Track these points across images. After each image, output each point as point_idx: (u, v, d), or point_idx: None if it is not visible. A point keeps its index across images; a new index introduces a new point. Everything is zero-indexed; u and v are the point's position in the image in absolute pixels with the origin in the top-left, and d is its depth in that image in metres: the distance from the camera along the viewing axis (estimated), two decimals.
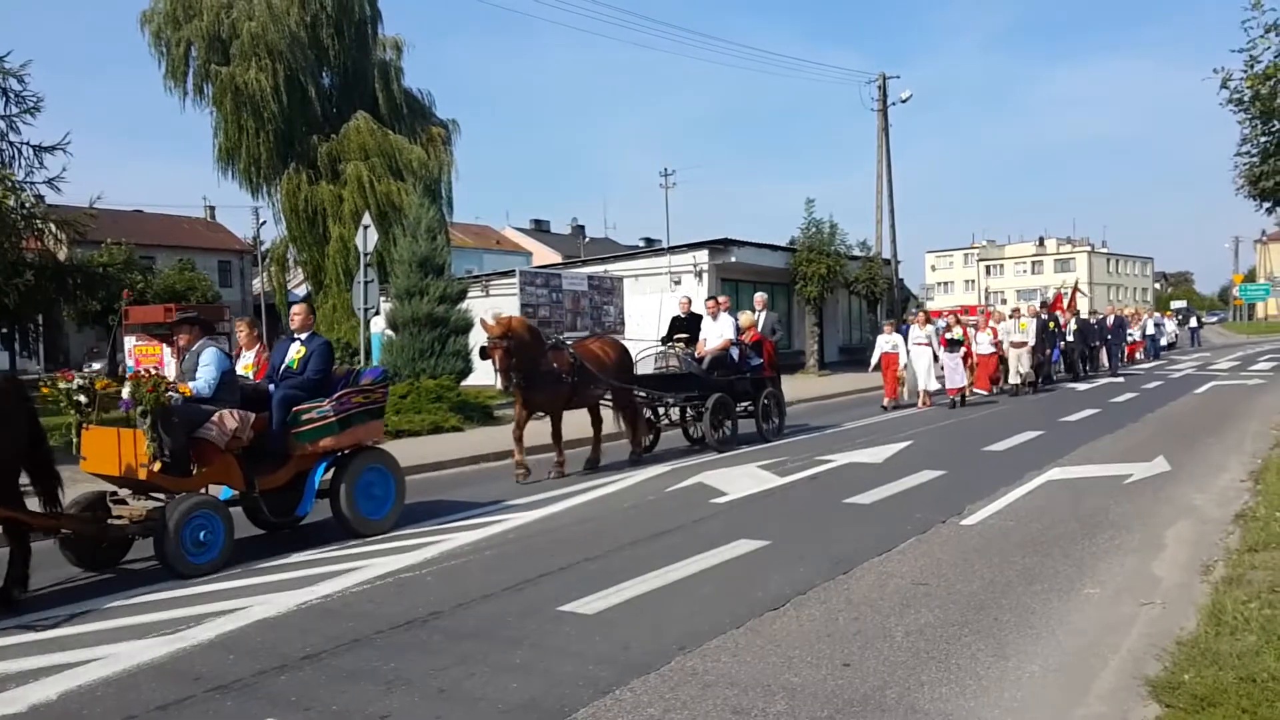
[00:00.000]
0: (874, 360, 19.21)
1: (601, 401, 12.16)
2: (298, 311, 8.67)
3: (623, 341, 13.58)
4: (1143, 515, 8.17)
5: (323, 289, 29.58)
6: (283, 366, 8.32)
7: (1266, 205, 13.22)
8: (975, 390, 19.80)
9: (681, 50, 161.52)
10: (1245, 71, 11.79)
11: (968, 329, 20.13)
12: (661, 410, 13.46)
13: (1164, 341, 39.08)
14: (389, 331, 19.99)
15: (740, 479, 10.54)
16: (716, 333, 13.63)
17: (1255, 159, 12.63)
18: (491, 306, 28.07)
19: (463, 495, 10.12)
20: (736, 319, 14.14)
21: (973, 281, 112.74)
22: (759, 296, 16.73)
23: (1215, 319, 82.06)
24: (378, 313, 18.83)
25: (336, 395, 8.08)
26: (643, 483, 10.71)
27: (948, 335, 18.81)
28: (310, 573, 6.97)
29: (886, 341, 19.09)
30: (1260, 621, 4.91)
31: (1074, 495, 9.16)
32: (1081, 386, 22.72)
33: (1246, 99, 12.03)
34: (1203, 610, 5.27)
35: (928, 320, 19.84)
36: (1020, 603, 5.79)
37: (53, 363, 44.97)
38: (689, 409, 13.39)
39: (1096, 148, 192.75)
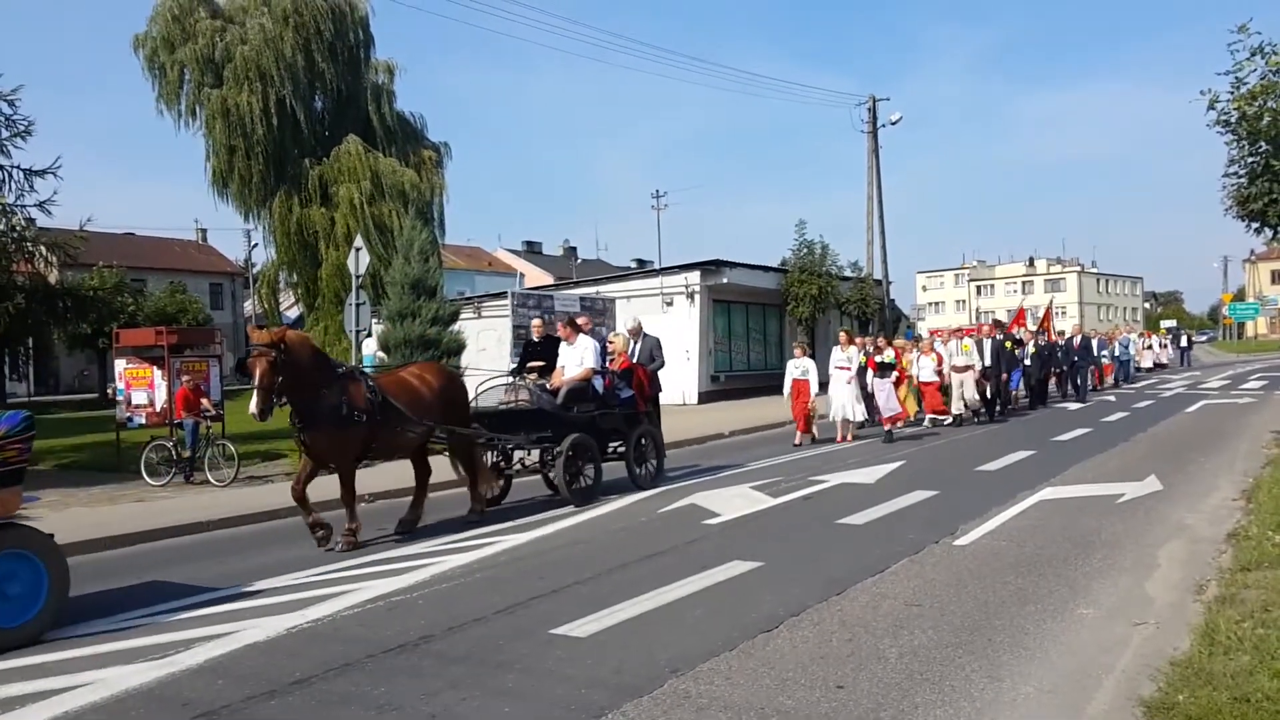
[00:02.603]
0: (785, 389, 16.63)
1: (433, 443, 10.07)
2: None
3: (453, 369, 11.32)
4: (1135, 535, 8.18)
5: (315, 311, 29.61)
6: None
7: (1255, 226, 13.26)
8: (920, 415, 18.41)
9: (673, 73, 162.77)
10: (1232, 93, 11.90)
11: (900, 352, 18.56)
12: (514, 455, 11.29)
13: (1147, 363, 37.57)
14: (380, 354, 19.97)
15: (733, 500, 10.52)
16: (575, 360, 11.30)
17: (1243, 180, 12.67)
18: (484, 328, 28.32)
19: (451, 517, 10.05)
20: (602, 343, 11.98)
21: (963, 302, 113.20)
22: (632, 318, 14.20)
23: (1205, 338, 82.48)
24: (369, 335, 18.81)
25: None
26: (634, 504, 10.67)
27: (878, 359, 16.99)
28: (300, 596, 6.93)
29: (796, 367, 16.40)
30: (1254, 641, 4.91)
31: (1066, 515, 9.17)
32: (1072, 406, 22.75)
33: (1233, 120, 12.11)
34: (1196, 630, 5.28)
35: (850, 341, 17.11)
36: (1014, 623, 5.78)
37: (43, 386, 44.84)
38: (546, 453, 10.99)
39: (1086, 168, 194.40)
